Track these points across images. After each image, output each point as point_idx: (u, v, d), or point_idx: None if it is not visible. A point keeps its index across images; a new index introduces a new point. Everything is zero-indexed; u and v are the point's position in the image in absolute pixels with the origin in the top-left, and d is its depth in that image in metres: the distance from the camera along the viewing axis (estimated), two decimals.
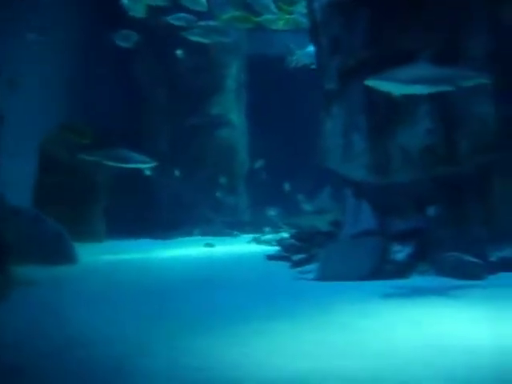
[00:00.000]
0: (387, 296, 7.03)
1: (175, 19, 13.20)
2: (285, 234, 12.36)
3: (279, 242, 11.53)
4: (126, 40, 13.62)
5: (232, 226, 16.66)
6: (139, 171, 13.65)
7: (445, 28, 8.44)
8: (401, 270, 8.34)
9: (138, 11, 13.03)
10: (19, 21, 14.03)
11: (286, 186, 15.69)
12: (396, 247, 8.57)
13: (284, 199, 15.41)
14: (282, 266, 9.97)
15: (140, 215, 15.86)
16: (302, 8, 11.67)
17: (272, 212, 15.74)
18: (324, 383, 4.12)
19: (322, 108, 9.89)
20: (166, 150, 16.53)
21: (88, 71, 16.15)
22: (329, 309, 6.49)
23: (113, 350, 5.14)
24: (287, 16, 12.31)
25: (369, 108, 8.92)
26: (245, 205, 17.49)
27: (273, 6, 12.38)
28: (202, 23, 13.20)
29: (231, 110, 17.53)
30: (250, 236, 15.11)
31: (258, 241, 14.17)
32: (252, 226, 16.59)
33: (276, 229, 14.62)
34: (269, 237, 13.98)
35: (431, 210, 8.49)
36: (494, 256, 8.12)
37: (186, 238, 15.65)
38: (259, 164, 16.84)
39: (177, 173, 16.24)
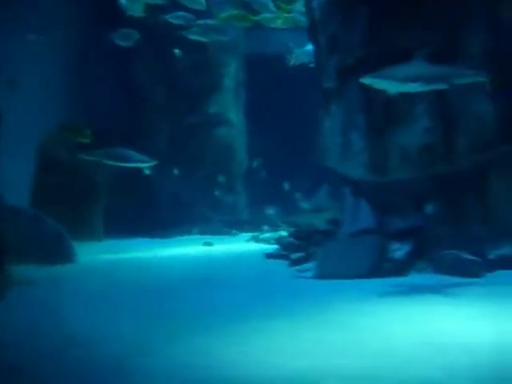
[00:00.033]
0: (386, 294, 7.04)
1: (174, 18, 13.20)
2: (283, 233, 12.37)
3: (278, 241, 11.55)
4: (125, 39, 13.61)
5: (231, 225, 16.66)
6: (138, 170, 13.65)
7: (443, 26, 8.45)
8: (399, 268, 8.35)
9: (136, 10, 13.03)
10: (19, 21, 14.02)
11: (285, 185, 15.69)
12: (394, 245, 8.58)
13: (283, 198, 15.41)
14: (281, 264, 9.97)
15: (139, 214, 15.86)
16: (300, 6, 11.68)
17: (270, 211, 15.75)
18: (323, 382, 4.12)
19: (320, 106, 9.89)
20: (165, 148, 16.54)
21: (87, 71, 16.16)
22: (327, 307, 6.50)
23: (112, 349, 5.15)
24: (286, 14, 12.32)
25: (367, 106, 8.93)
26: (243, 203, 17.49)
27: (271, 5, 12.39)
28: (201, 22, 13.20)
29: (229, 109, 17.53)
30: (249, 235, 15.11)
31: (256, 239, 14.18)
32: (251, 224, 16.59)
33: (275, 227, 14.62)
34: (267, 235, 13.98)
35: (429, 208, 8.51)
36: (492, 254, 8.13)
37: (185, 237, 15.66)
38: (258, 163, 16.85)
39: (175, 172, 16.25)
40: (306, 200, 13.08)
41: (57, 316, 6.58)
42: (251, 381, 4.20)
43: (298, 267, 9.42)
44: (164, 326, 5.90)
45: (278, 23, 12.44)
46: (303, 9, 10.96)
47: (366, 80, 7.18)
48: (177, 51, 15.48)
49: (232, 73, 17.60)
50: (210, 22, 13.18)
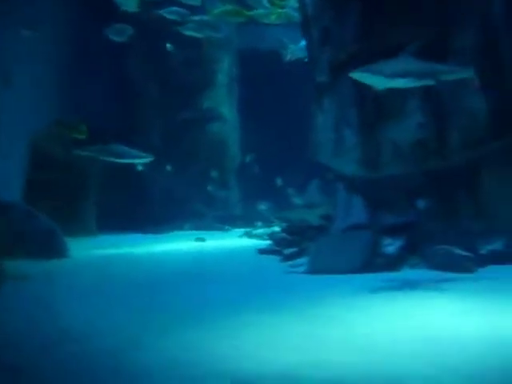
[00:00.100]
0: (378, 289, 7.05)
1: (168, 13, 13.18)
2: (276, 228, 12.38)
3: (270, 236, 11.56)
4: (119, 34, 13.57)
5: (223, 221, 16.67)
6: (131, 166, 13.64)
7: (435, 22, 8.45)
8: (392, 264, 8.36)
9: (129, 6, 12.99)
10: (12, 15, 13.97)
11: (278, 181, 15.70)
12: (387, 240, 8.59)
13: (275, 193, 15.43)
14: (273, 259, 9.99)
15: (132, 210, 15.85)
16: (293, 2, 11.66)
17: (263, 206, 15.76)
18: (313, 375, 4.13)
19: (313, 102, 9.90)
20: (158, 144, 16.52)
21: (80, 66, 16.11)
22: (319, 302, 6.50)
23: (104, 342, 5.15)
24: (279, 10, 12.30)
25: (360, 102, 8.94)
26: (236, 199, 17.51)
27: (265, 0, 12.37)
28: (196, 18, 13.18)
29: (223, 105, 17.53)
30: (242, 230, 15.12)
31: (249, 235, 14.19)
32: (243, 220, 16.61)
33: (267, 223, 14.63)
34: (260, 231, 14.00)
35: (421, 204, 8.53)
36: (484, 249, 8.16)
37: (178, 233, 15.66)
38: (251, 158, 16.86)
39: (168, 167, 16.24)
40: (298, 195, 13.09)
41: (50, 310, 6.58)
42: (242, 374, 4.20)
43: (290, 262, 9.44)
44: (156, 320, 5.90)
45: (272, 19, 12.42)
46: (296, 4, 10.95)
47: (355, 75, 7.20)
48: (169, 46, 15.46)
49: (225, 68, 17.60)
50: (205, 17, 13.16)
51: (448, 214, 8.50)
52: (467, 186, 8.51)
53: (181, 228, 16.09)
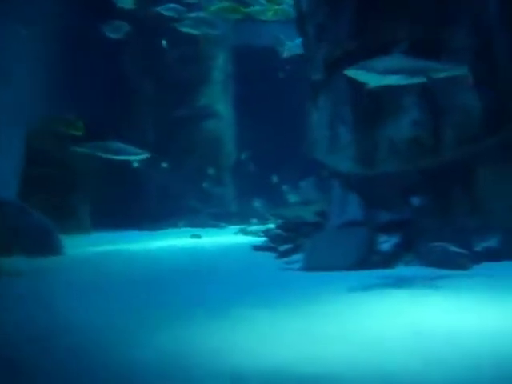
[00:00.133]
0: (373, 286, 7.05)
1: (165, 10, 13.17)
2: (271, 225, 12.39)
3: (266, 233, 11.57)
4: (116, 31, 13.56)
5: (219, 218, 16.68)
6: (127, 163, 13.63)
7: (430, 19, 8.45)
8: (387, 261, 8.37)
9: (126, 2, 12.99)
10: (7, 13, 13.94)
11: (273, 178, 15.71)
12: (382, 238, 8.60)
13: (271, 190, 15.44)
14: (269, 256, 9.98)
15: (127, 207, 15.84)
16: None
17: (258, 203, 15.77)
18: (307, 371, 4.13)
19: (308, 99, 9.89)
20: (154, 141, 16.51)
21: (75, 63, 16.08)
22: (314, 298, 6.50)
23: (98, 338, 5.15)
24: (276, 7, 12.31)
25: (355, 99, 8.93)
26: (231, 196, 17.50)
27: None
28: (193, 15, 13.18)
29: (218, 102, 17.53)
30: (237, 227, 15.12)
31: (244, 232, 14.19)
32: (239, 217, 16.62)
33: (263, 220, 14.64)
34: (255, 228, 14.01)
35: (416, 201, 8.53)
36: (479, 246, 8.17)
37: (173, 230, 15.65)
38: (246, 155, 16.86)
39: (164, 164, 16.23)
40: (293, 192, 13.10)
41: (44, 307, 6.57)
42: (235, 368, 4.20)
43: (285, 259, 9.44)
44: (151, 316, 5.90)
45: (269, 15, 12.43)
46: (293, 1, 10.95)
47: (349, 72, 7.20)
48: (164, 43, 15.45)
49: (220, 65, 17.59)
50: (202, 14, 13.16)
51: (443, 211, 8.51)
52: (462, 183, 8.52)
53: (176, 225, 16.09)
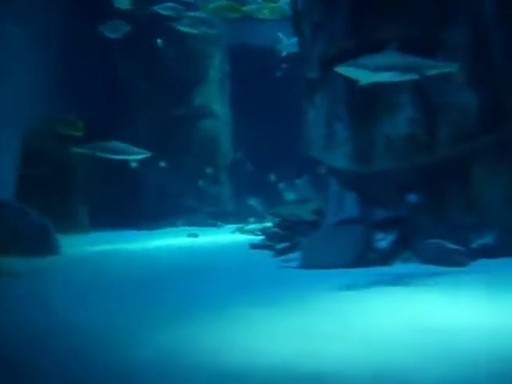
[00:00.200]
0: (370, 283, 7.06)
1: (163, 9, 13.17)
2: (268, 224, 12.40)
3: (263, 231, 11.58)
4: (114, 31, 13.56)
5: (216, 217, 16.68)
6: (125, 163, 13.63)
7: (426, 18, 8.47)
8: (384, 258, 8.39)
9: (123, 3, 12.99)
10: (2, 11, 13.93)
11: (270, 176, 15.73)
12: (379, 235, 8.62)
13: (268, 189, 15.45)
14: (266, 254, 9.99)
15: (125, 206, 15.84)
16: None
17: (254, 202, 15.78)
18: (306, 367, 4.15)
19: (304, 97, 9.91)
20: (150, 140, 16.48)
21: (72, 63, 16.07)
22: (311, 296, 6.51)
23: (97, 338, 5.16)
24: (272, 5, 12.32)
25: (351, 97, 8.95)
26: (228, 195, 17.51)
27: None
28: (191, 14, 13.18)
29: (214, 101, 17.53)
30: (234, 226, 15.13)
31: (241, 231, 14.20)
32: (236, 216, 16.62)
33: (260, 218, 14.65)
34: (252, 226, 14.01)
35: (412, 198, 8.56)
36: (475, 243, 8.20)
37: (171, 229, 15.65)
38: (243, 154, 16.87)
39: (162, 164, 16.24)
40: (290, 191, 13.12)
41: (42, 307, 6.58)
42: (233, 365, 4.22)
43: (282, 257, 9.46)
44: (149, 315, 5.91)
45: (265, 14, 12.44)
46: None
47: (341, 69, 7.23)
48: (159, 41, 15.45)
49: (217, 64, 17.59)
50: (200, 13, 13.16)
51: (439, 208, 8.53)
52: (458, 181, 8.54)
53: (173, 224, 16.09)
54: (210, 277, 8.26)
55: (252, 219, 15.50)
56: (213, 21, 13.48)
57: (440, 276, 7.22)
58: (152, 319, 5.73)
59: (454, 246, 7.99)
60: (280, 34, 13.88)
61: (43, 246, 10.87)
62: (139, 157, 11.05)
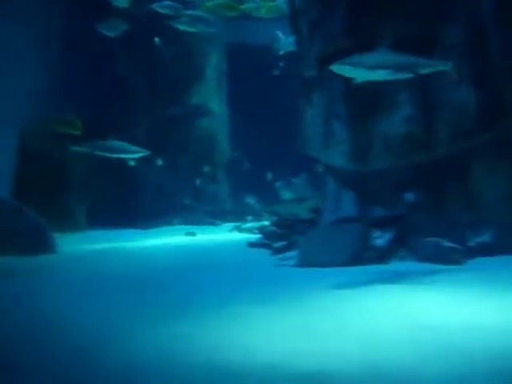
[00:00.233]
0: (368, 281, 7.06)
1: (161, 7, 13.16)
2: (266, 222, 12.39)
3: (260, 230, 11.58)
4: (112, 29, 13.55)
5: (213, 215, 16.67)
6: (122, 161, 13.61)
7: (423, 16, 8.47)
8: (381, 256, 8.39)
9: (121, 2, 12.98)
10: (1, 10, 13.91)
11: (267, 175, 15.72)
12: (376, 233, 8.62)
13: (265, 187, 15.44)
14: (263, 253, 10.00)
15: (122, 205, 15.81)
16: None
17: (251, 200, 15.77)
18: (303, 365, 4.15)
19: (302, 96, 9.90)
20: (148, 139, 16.47)
21: (69, 61, 16.05)
22: (309, 294, 6.51)
23: (94, 336, 5.15)
24: (270, 3, 12.32)
25: (349, 95, 8.94)
26: (226, 194, 17.50)
27: None
28: (189, 12, 13.18)
29: (212, 100, 17.51)
30: (232, 225, 15.12)
31: (239, 229, 14.20)
32: (233, 214, 16.61)
33: (257, 217, 14.64)
34: (250, 225, 14.01)
35: (410, 196, 8.56)
36: (473, 241, 8.21)
37: (168, 227, 15.64)
38: (240, 153, 16.86)
39: (159, 162, 16.22)
40: (287, 189, 13.11)
41: (38, 305, 6.56)
42: (231, 364, 4.22)
43: (280, 256, 9.45)
44: (147, 313, 5.90)
45: (262, 12, 12.44)
46: None
47: (335, 67, 7.22)
48: (157, 40, 15.44)
49: (214, 63, 17.57)
50: (198, 12, 13.16)
51: (437, 206, 8.53)
52: (456, 179, 8.55)
53: (171, 223, 16.08)
54: (207, 275, 8.25)
55: (249, 218, 15.49)
56: (210, 19, 13.46)
57: (437, 274, 7.22)
58: (149, 317, 5.72)
59: (450, 244, 8.00)
60: (277, 33, 13.88)
61: (39, 244, 10.85)
62: (137, 155, 11.05)
